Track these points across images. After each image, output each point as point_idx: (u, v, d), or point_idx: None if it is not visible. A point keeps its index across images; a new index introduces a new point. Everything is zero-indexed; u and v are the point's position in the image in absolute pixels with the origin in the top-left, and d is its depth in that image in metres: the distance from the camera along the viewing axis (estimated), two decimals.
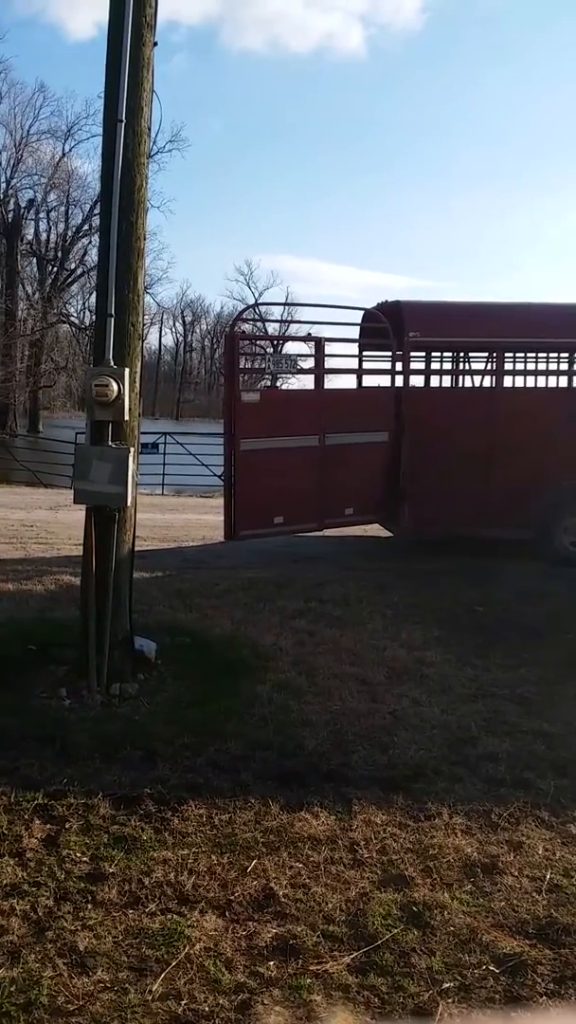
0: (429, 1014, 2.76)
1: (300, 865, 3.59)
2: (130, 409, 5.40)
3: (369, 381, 11.34)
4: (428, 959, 3.02)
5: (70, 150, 49.17)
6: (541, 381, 12.46)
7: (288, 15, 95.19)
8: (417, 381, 11.34)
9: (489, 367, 11.76)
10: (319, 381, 10.21)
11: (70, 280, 51.25)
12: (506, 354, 10.99)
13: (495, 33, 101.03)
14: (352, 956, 3.03)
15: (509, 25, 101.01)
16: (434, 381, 12.54)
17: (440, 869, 3.61)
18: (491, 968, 2.99)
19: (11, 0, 69.00)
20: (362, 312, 11.23)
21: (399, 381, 10.41)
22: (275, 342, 20.29)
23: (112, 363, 5.34)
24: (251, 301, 62.79)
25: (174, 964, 2.94)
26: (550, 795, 4.28)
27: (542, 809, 4.14)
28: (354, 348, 11.53)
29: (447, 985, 2.89)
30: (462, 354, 12.59)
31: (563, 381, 12.28)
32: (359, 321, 11.31)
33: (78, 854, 3.59)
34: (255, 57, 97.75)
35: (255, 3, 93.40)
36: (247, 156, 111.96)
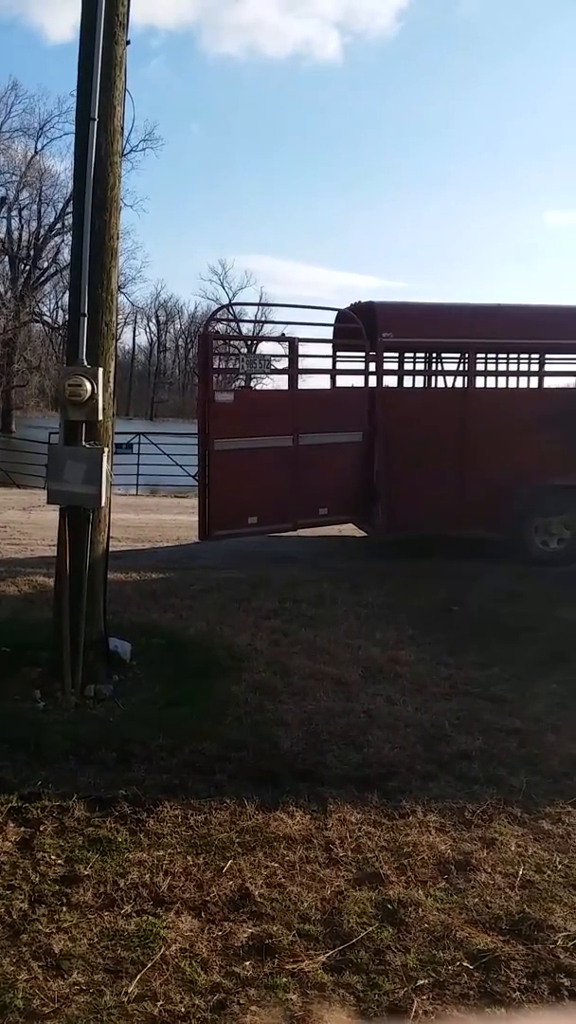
0: (404, 1011, 2.78)
1: (275, 865, 3.60)
2: (104, 409, 5.38)
3: (343, 381, 11.37)
4: (403, 956, 3.04)
5: (42, 148, 49.00)
6: (513, 382, 12.57)
7: (265, 22, 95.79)
8: (390, 381, 11.39)
9: (462, 368, 11.84)
10: (293, 381, 10.22)
11: (43, 279, 50.92)
12: (478, 355, 11.07)
13: (471, 43, 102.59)
14: (328, 954, 3.05)
15: (485, 36, 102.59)
16: (407, 381, 12.60)
17: (414, 867, 3.63)
18: (465, 964, 3.02)
19: None
20: (336, 312, 11.26)
21: (372, 381, 10.45)
22: (249, 342, 20.28)
23: (86, 363, 5.32)
24: (225, 301, 62.70)
25: (150, 965, 2.93)
26: (522, 792, 4.33)
27: (514, 806, 4.18)
28: (328, 348, 11.55)
29: (422, 982, 2.92)
30: (435, 355, 12.66)
31: (534, 382, 12.38)
32: (333, 321, 11.33)
33: (53, 856, 3.58)
34: (233, 63, 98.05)
35: (232, 9, 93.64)
36: (223, 158, 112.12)
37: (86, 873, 3.46)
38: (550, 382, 12.13)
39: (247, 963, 2.98)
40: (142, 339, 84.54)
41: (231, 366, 11.58)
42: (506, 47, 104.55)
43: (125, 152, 5.93)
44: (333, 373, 11.53)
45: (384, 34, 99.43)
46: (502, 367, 12.55)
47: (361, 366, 10.85)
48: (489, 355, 12.00)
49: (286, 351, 10.40)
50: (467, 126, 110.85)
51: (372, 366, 10.48)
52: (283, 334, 10.84)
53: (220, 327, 25.08)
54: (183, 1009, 2.74)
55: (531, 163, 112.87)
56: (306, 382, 10.76)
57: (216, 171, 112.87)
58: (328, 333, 11.38)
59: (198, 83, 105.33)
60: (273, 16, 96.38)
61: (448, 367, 12.80)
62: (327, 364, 11.73)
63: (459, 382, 12.01)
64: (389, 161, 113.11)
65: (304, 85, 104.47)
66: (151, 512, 14.68)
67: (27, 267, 50.41)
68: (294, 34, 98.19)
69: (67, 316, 5.73)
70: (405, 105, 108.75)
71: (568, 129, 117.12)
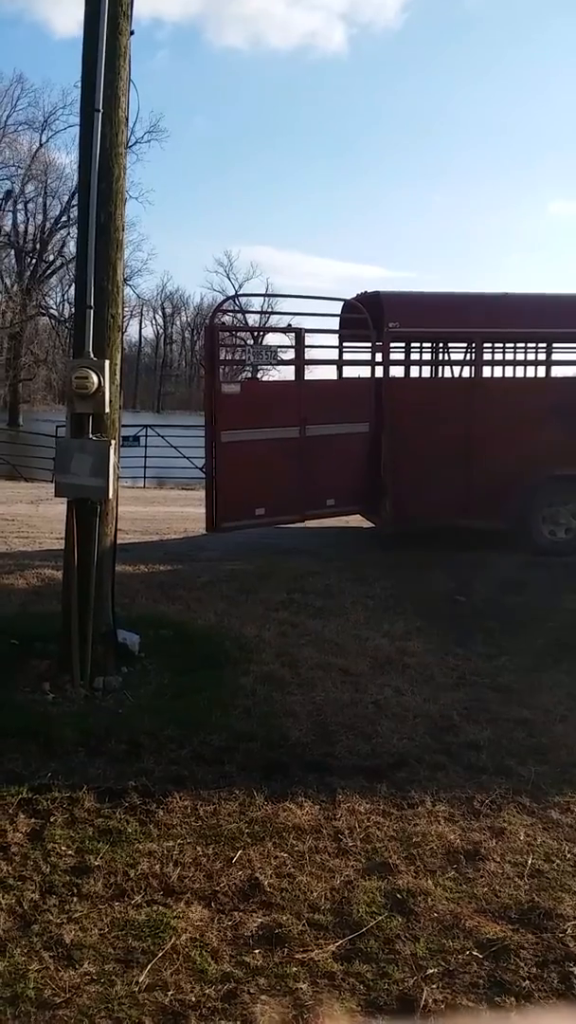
0: (414, 1000, 2.79)
1: (285, 855, 3.61)
2: (110, 401, 5.38)
3: (349, 372, 11.34)
4: (412, 945, 3.05)
5: (47, 140, 48.91)
6: (519, 371, 12.52)
7: (270, 13, 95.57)
8: (397, 372, 11.36)
9: (468, 357, 11.79)
10: (299, 372, 10.20)
11: (49, 272, 50.90)
12: (484, 344, 11.01)
13: (476, 34, 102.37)
14: (337, 944, 3.06)
15: (489, 26, 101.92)
16: (414, 372, 12.56)
17: (423, 856, 3.64)
18: (474, 953, 3.03)
19: None
20: (342, 303, 11.23)
21: (379, 372, 10.42)
22: (255, 333, 20.24)
23: (92, 355, 5.32)
24: (231, 292, 62.58)
25: (160, 955, 2.95)
26: (531, 781, 4.33)
27: (523, 795, 4.19)
28: (334, 339, 11.52)
29: (431, 971, 2.93)
30: (441, 344, 12.61)
31: (541, 371, 12.33)
32: (339, 312, 11.30)
33: (63, 847, 3.60)
34: (238, 55, 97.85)
35: (237, 1, 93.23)
36: (227, 150, 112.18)
37: (96, 864, 3.48)
38: (557, 371, 12.08)
39: (257, 952, 3.00)
40: (148, 331, 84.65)
41: (238, 357, 11.53)
42: (511, 37, 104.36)
43: (130, 144, 5.93)
44: (340, 364, 11.49)
45: (389, 25, 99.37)
46: (509, 356, 12.50)
47: (368, 356, 10.82)
48: (496, 344, 11.95)
49: (292, 342, 10.38)
50: (470, 117, 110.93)
51: (379, 356, 10.45)
52: (289, 325, 10.82)
53: (227, 319, 25.03)
54: (193, 998, 2.76)
55: (535, 153, 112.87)
56: (313, 373, 10.74)
57: (220, 163, 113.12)
58: (334, 324, 11.35)
59: (203, 75, 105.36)
60: (279, 8, 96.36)
61: (455, 357, 12.76)
62: (334, 355, 11.69)
63: (466, 372, 11.96)
64: (393, 152, 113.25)
65: (309, 77, 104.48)
66: (158, 504, 14.71)
67: (33, 260, 50.36)
68: (300, 26, 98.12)
69: (73, 309, 5.72)
70: (409, 96, 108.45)
71: (573, 120, 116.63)
